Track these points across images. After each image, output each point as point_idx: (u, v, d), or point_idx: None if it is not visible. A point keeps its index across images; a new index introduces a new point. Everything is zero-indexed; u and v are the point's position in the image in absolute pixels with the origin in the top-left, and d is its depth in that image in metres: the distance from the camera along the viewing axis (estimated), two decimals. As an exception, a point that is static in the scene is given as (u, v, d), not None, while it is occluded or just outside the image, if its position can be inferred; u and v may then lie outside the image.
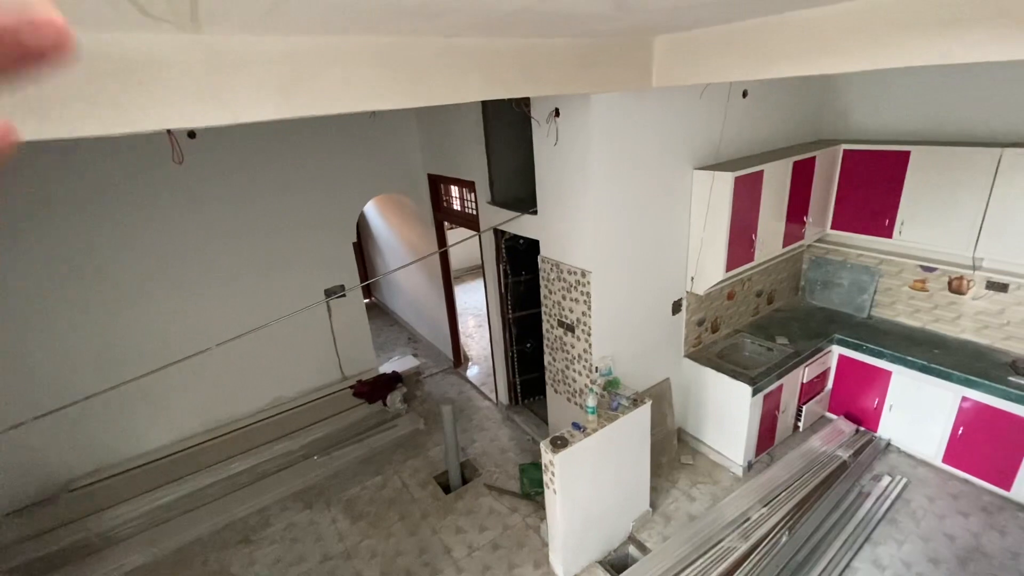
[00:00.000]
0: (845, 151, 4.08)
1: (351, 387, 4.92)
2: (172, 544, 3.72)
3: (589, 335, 3.39)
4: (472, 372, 5.86)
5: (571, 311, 3.49)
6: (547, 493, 3.08)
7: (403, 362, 5.54)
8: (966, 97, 3.63)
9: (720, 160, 3.66)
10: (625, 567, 3.41)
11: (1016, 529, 3.31)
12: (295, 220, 4.48)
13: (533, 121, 3.20)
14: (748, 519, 3.47)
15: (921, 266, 4.07)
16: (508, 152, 4.10)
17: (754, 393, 3.71)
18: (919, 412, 3.87)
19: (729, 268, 3.58)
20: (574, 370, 3.66)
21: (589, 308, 3.31)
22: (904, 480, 3.77)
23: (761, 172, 3.51)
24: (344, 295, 4.88)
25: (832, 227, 4.33)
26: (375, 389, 4.94)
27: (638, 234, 3.38)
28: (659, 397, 3.93)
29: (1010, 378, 3.43)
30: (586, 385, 3.57)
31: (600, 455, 3.11)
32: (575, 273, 3.34)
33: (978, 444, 3.60)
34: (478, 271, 9.49)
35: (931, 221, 3.72)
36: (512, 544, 3.54)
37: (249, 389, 4.57)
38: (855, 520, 3.48)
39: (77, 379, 3.71)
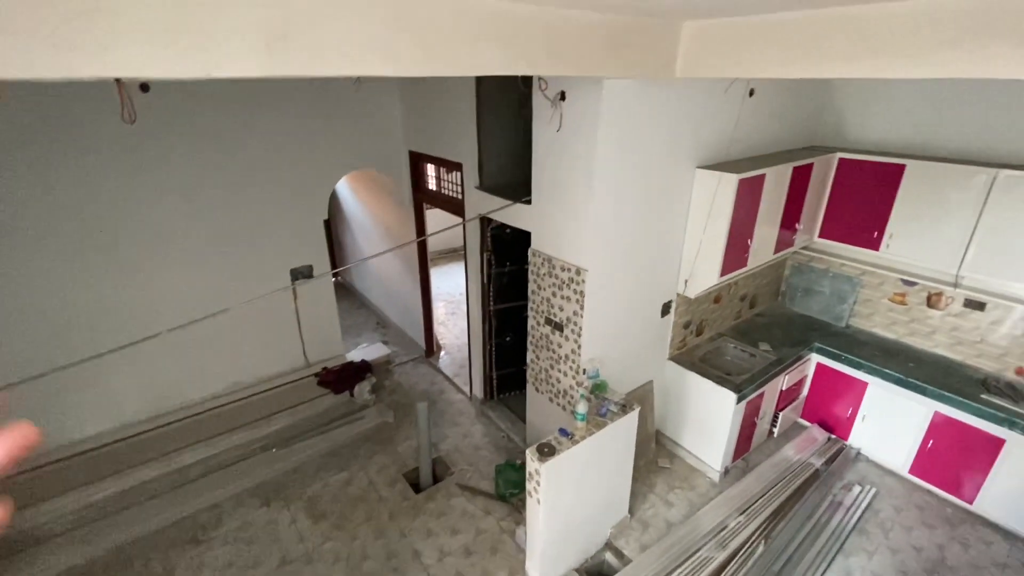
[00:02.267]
0: (840, 160, 4.03)
1: (316, 375, 4.61)
2: (110, 543, 3.36)
3: (579, 335, 3.22)
4: (444, 362, 5.63)
5: (561, 309, 3.31)
6: (529, 502, 2.92)
7: (372, 350, 5.25)
8: (965, 114, 3.62)
9: (725, 160, 3.53)
10: (601, 574, 3.32)
11: (978, 542, 3.40)
12: (261, 192, 4.09)
13: (537, 103, 2.96)
14: (725, 527, 3.44)
15: (903, 280, 4.11)
16: (501, 134, 3.84)
17: (739, 400, 3.66)
18: (891, 423, 3.93)
19: (724, 273, 3.48)
20: (559, 370, 3.49)
21: (582, 308, 3.14)
22: (874, 490, 3.83)
23: (763, 176, 3.40)
24: (312, 277, 4.53)
25: (820, 235, 4.30)
26: (342, 378, 4.65)
27: (638, 233, 3.21)
28: (642, 399, 3.83)
29: (982, 396, 3.51)
30: (571, 387, 3.41)
31: (586, 462, 2.97)
32: (569, 270, 3.15)
33: (945, 458, 3.69)
34: (452, 255, 9.22)
35: (919, 236, 3.73)
36: (485, 549, 3.38)
37: (203, 373, 4.19)
38: (828, 530, 3.50)
39: (5, 354, 3.27)
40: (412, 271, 5.51)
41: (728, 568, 3.15)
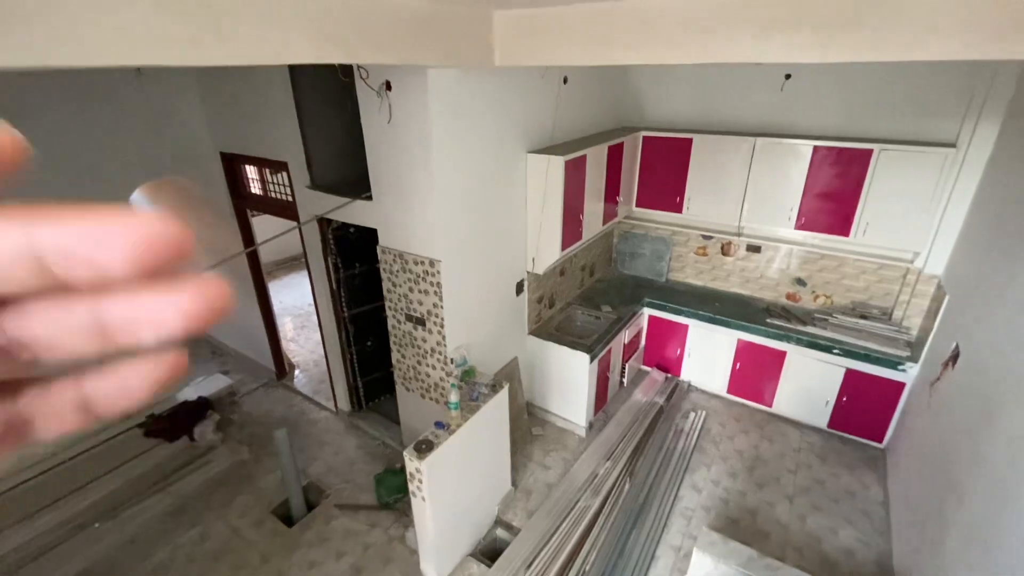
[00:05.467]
0: (644, 137, 4.62)
1: (141, 425, 3.89)
2: None
3: (442, 327, 3.23)
4: (300, 381, 5.19)
5: (420, 303, 3.27)
6: (414, 502, 2.87)
7: (210, 383, 4.58)
8: (731, 94, 4.39)
9: (551, 144, 3.79)
10: (496, 551, 3.43)
11: (779, 436, 4.28)
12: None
13: (362, 94, 2.83)
14: (596, 475, 3.79)
15: (702, 235, 4.89)
16: (328, 129, 3.60)
17: (591, 360, 4.03)
18: (709, 355, 4.70)
19: (564, 247, 3.77)
20: (427, 364, 3.46)
21: (440, 299, 3.14)
22: (704, 413, 4.56)
23: (585, 156, 3.74)
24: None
25: (636, 205, 4.90)
26: (175, 423, 4.00)
27: (483, 219, 3.30)
28: (510, 376, 4.00)
29: (767, 320, 4.38)
30: (442, 378, 3.42)
31: (465, 449, 3.01)
32: (422, 263, 3.12)
33: (750, 374, 4.54)
34: (293, 264, 8.44)
35: (710, 197, 4.47)
36: (377, 562, 3.25)
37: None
38: (675, 455, 4.08)
39: None
40: (246, 287, 4.93)
41: (603, 510, 3.49)
